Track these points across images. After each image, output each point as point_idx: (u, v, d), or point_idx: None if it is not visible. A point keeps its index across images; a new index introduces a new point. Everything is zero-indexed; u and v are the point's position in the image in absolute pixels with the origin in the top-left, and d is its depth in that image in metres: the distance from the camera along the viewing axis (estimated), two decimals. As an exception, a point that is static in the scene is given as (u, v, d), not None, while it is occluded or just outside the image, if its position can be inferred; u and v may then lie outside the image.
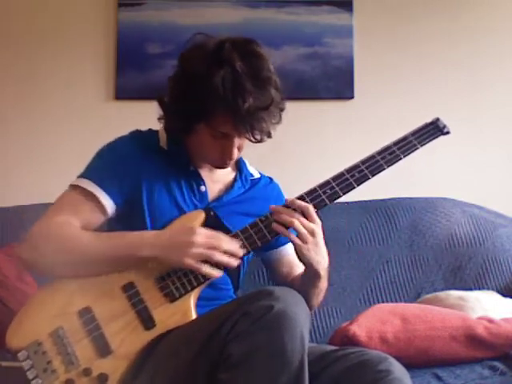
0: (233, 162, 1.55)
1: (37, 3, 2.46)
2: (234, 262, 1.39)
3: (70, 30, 2.46)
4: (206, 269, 1.37)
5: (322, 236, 1.45)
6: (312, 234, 1.42)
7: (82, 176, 1.51)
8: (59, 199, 1.50)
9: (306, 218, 1.43)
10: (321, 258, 1.46)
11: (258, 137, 1.46)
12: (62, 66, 2.44)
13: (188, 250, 1.36)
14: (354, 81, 2.50)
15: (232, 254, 1.39)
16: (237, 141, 1.47)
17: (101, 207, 1.48)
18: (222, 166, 1.55)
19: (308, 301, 1.50)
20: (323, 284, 1.53)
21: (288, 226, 1.42)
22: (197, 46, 1.47)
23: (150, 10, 2.45)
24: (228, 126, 1.42)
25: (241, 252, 1.40)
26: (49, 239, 1.42)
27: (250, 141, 1.47)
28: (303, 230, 1.41)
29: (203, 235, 1.38)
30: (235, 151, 1.49)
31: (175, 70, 1.49)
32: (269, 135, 1.50)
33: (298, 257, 1.46)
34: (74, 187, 1.49)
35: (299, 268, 1.63)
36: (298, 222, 1.41)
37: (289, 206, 1.44)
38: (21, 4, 2.45)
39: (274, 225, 1.42)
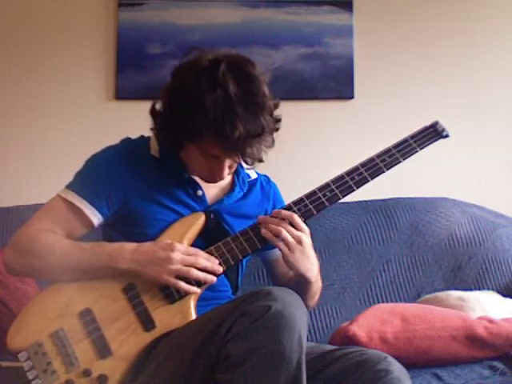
0: (220, 181, 1.52)
1: (37, 3, 2.46)
2: (211, 279, 1.40)
3: (70, 29, 2.45)
4: (183, 285, 1.38)
5: (310, 243, 1.45)
6: (299, 242, 1.42)
7: (69, 188, 1.50)
8: (44, 208, 1.50)
9: (294, 227, 1.42)
10: (310, 264, 1.45)
11: (249, 162, 1.46)
12: (61, 66, 2.44)
13: (165, 266, 1.37)
14: (354, 81, 2.50)
15: (209, 271, 1.39)
16: (228, 161, 1.45)
17: (86, 219, 1.47)
18: (214, 182, 1.53)
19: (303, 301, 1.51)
20: (316, 286, 1.53)
21: (276, 235, 1.42)
22: (191, 63, 1.43)
23: (150, 10, 2.45)
24: (217, 150, 1.41)
25: (219, 269, 1.41)
26: (30, 245, 1.43)
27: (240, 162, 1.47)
28: (290, 239, 1.41)
29: (181, 251, 1.38)
30: (225, 172, 1.47)
31: (168, 83, 1.46)
32: (260, 160, 1.48)
33: (287, 265, 1.45)
34: (60, 198, 1.49)
35: None
36: (285, 231, 1.41)
37: (275, 216, 1.44)
38: (21, 4, 2.45)
39: (263, 231, 1.42)
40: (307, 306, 1.53)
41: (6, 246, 1.48)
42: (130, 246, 1.42)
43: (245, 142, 1.37)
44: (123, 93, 2.44)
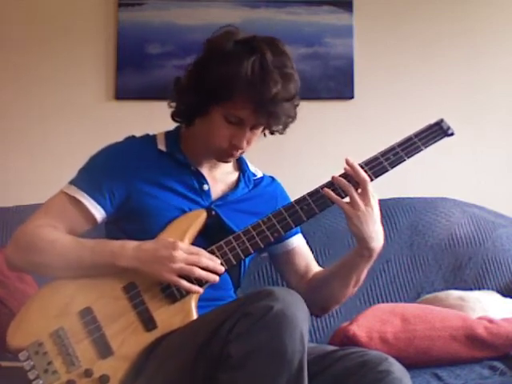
0: (236, 157, 1.54)
1: (37, 3, 2.46)
2: (214, 278, 1.39)
3: (70, 30, 2.46)
4: (185, 284, 1.37)
5: (377, 212, 1.43)
6: (366, 203, 1.41)
7: (72, 183, 1.51)
8: (46, 204, 1.51)
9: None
10: (374, 233, 1.43)
11: (274, 126, 1.49)
12: (62, 66, 2.44)
13: (168, 264, 1.36)
14: (354, 81, 2.50)
15: (211, 271, 1.39)
16: (248, 133, 1.47)
17: (88, 215, 1.48)
18: (227, 159, 1.54)
19: (343, 289, 1.51)
20: (365, 271, 1.50)
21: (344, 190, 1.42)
22: (227, 32, 1.49)
23: (150, 9, 2.45)
24: (247, 111, 1.43)
25: (221, 269, 1.40)
26: (31, 241, 1.43)
27: (265, 128, 1.49)
28: (357, 198, 1.41)
29: (184, 250, 1.38)
30: (244, 141, 1.48)
31: (198, 55, 1.50)
32: (284, 128, 1.53)
33: (350, 228, 1.43)
34: (63, 193, 1.49)
35: (315, 262, 1.64)
36: (353, 188, 1.41)
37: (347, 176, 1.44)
38: (21, 4, 2.45)
39: (326, 189, 1.42)
40: (343, 297, 1.54)
41: (9, 243, 1.48)
42: (132, 243, 1.42)
43: (276, 103, 1.41)
44: (123, 93, 2.44)
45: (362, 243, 1.44)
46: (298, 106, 1.51)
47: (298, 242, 1.65)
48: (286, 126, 1.54)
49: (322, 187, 1.46)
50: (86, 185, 1.49)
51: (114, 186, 1.49)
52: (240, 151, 1.51)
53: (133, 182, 1.50)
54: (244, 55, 1.42)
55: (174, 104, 1.55)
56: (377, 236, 1.44)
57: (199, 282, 1.39)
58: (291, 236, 1.63)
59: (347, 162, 1.44)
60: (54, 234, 1.44)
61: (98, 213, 1.48)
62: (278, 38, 1.50)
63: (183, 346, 1.29)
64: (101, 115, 2.44)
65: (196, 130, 1.54)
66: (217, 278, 1.40)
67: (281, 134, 1.55)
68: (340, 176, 1.45)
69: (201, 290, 1.39)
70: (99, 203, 1.48)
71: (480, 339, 1.65)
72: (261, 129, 1.51)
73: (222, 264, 1.41)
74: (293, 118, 1.52)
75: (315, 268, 1.64)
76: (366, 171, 1.46)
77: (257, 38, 1.46)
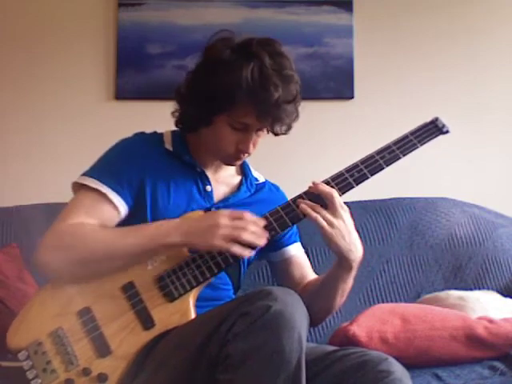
0: (243, 159, 1.56)
1: (37, 3, 2.46)
2: (262, 241, 1.38)
3: (70, 30, 2.46)
4: (237, 248, 1.35)
5: (351, 224, 1.43)
6: (338, 217, 1.40)
7: (93, 177, 1.48)
8: (73, 201, 1.49)
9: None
10: (352, 246, 1.42)
11: (279, 129, 1.50)
12: (61, 66, 2.44)
13: (215, 231, 1.34)
14: (354, 81, 2.50)
15: (258, 234, 1.38)
16: (254, 136, 1.48)
17: (114, 208, 1.47)
18: (234, 162, 1.56)
19: (331, 300, 1.50)
20: (350, 281, 1.50)
21: (313, 209, 1.41)
22: (223, 39, 1.49)
23: (150, 10, 2.45)
24: (251, 117, 1.44)
25: (266, 234, 1.39)
26: (73, 237, 1.40)
27: (271, 132, 1.50)
28: (327, 215, 1.40)
29: (228, 216, 1.37)
30: (251, 145, 1.49)
31: (197, 62, 1.51)
32: (288, 128, 1.54)
33: (328, 246, 1.42)
34: (85, 189, 1.47)
35: (311, 271, 1.64)
36: (320, 207, 1.40)
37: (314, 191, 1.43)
38: (20, 4, 2.45)
39: (301, 205, 1.41)
40: (335, 305, 1.52)
41: (39, 249, 1.41)
42: (172, 221, 1.41)
43: (279, 107, 1.42)
44: (123, 93, 2.44)
45: (341, 257, 1.44)
46: (299, 105, 1.51)
47: (295, 251, 1.66)
48: (289, 127, 1.54)
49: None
50: (107, 178, 1.47)
51: (132, 179, 1.49)
52: (247, 154, 1.52)
53: (143, 177, 1.50)
54: (242, 63, 1.42)
55: (176, 113, 1.56)
56: (355, 247, 1.44)
57: (247, 245, 1.37)
58: (289, 244, 1.65)
59: (312, 186, 1.44)
60: (89, 229, 1.42)
61: (121, 205, 1.48)
62: (274, 39, 1.50)
63: (182, 345, 1.29)
64: (101, 115, 2.44)
65: (202, 137, 1.55)
66: (264, 240, 1.38)
67: (285, 134, 1.55)
68: (305, 194, 1.44)
69: (253, 253, 1.39)
70: (121, 195, 1.47)
71: (480, 339, 1.65)
72: (265, 130, 1.51)
73: (224, 260, 1.41)
74: (296, 118, 1.52)
75: (310, 277, 1.63)
76: (341, 181, 1.46)
77: (253, 43, 1.46)
